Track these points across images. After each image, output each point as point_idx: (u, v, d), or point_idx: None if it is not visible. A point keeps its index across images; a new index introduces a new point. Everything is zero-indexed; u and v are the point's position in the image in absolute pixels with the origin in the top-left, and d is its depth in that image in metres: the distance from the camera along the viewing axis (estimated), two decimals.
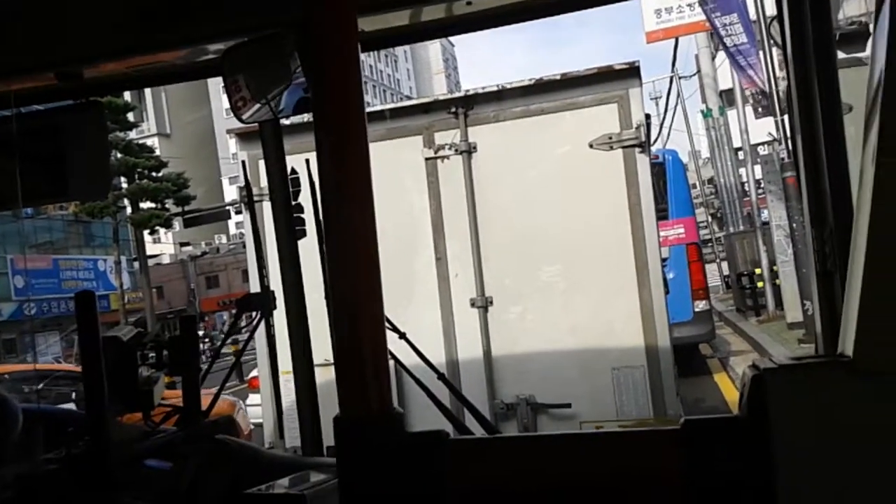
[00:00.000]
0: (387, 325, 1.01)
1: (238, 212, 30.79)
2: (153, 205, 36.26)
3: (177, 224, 40.29)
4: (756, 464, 0.82)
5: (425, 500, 0.85)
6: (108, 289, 35.78)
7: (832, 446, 0.81)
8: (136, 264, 37.76)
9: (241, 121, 2.63)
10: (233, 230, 63.11)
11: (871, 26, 1.03)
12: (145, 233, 37.68)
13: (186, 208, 36.47)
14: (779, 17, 1.50)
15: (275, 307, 2.84)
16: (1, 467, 1.92)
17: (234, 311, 3.06)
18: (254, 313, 2.95)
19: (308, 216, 2.95)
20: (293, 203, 2.85)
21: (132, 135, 37.99)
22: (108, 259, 36.66)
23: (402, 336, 2.74)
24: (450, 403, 2.94)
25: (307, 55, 1.57)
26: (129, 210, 35.56)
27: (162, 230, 42.61)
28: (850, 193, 1.61)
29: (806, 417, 0.81)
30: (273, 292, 2.86)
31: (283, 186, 2.79)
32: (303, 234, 2.87)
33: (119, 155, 33.15)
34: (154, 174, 36.38)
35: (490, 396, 4.86)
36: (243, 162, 3.69)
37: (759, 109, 16.45)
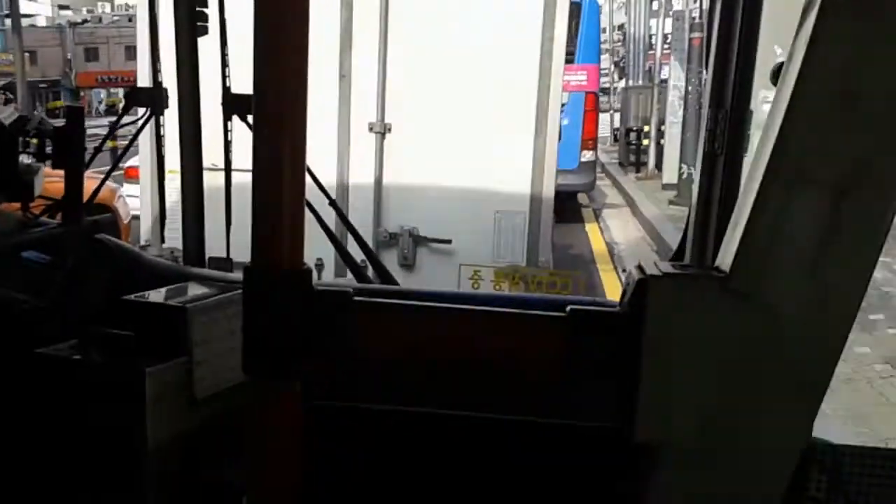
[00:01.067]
0: None
1: None
2: None
3: None
4: (629, 355, 0.90)
5: (328, 355, 0.89)
6: None
7: (695, 349, 0.90)
8: (8, 22, 34.72)
9: None
10: (118, 0, 58.48)
11: None
12: None
13: None
14: None
15: (166, 106, 2.72)
16: None
17: (111, 91, 2.90)
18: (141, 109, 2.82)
19: (212, 13, 2.78)
20: None
21: None
22: None
23: None
24: (334, 227, 2.97)
25: None
26: None
27: None
28: (751, 82, 1.67)
29: (677, 322, 0.90)
30: (166, 89, 2.73)
31: None
32: (204, 31, 2.70)
33: None
34: None
35: (375, 224, 4.94)
36: None
37: None
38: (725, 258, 0.94)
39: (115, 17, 51.54)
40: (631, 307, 0.92)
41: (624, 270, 8.59)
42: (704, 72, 1.80)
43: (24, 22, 37.15)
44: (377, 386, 1.38)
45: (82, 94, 42.99)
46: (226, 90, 2.72)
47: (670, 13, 18.69)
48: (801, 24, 0.93)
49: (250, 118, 2.78)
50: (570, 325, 0.93)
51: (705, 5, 12.97)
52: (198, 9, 2.67)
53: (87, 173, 2.42)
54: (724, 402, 0.91)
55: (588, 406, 1.30)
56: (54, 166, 1.89)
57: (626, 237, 11.39)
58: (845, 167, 0.89)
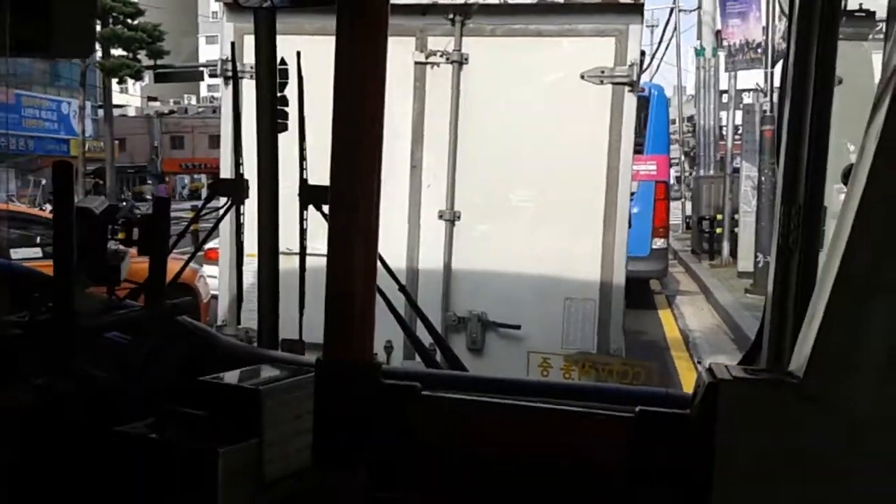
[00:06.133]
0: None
1: (212, 75, 29.91)
2: (125, 53, 35.14)
3: (146, 77, 39.10)
4: (698, 461, 0.87)
5: (394, 447, 0.91)
6: (70, 134, 34.82)
7: (769, 457, 0.87)
8: (101, 112, 36.79)
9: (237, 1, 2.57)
10: (203, 92, 61.40)
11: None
12: (113, 81, 36.59)
13: (159, 62, 35.37)
14: None
15: (247, 196, 2.85)
16: None
17: (195, 177, 3.06)
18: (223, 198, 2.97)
19: (291, 110, 2.92)
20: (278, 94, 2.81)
21: None
22: (72, 102, 35.50)
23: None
24: (404, 311, 3.02)
25: None
26: (98, 55, 34.34)
27: (130, 81, 41.34)
28: (824, 177, 1.65)
29: (750, 428, 0.87)
30: (247, 181, 2.86)
31: (270, 76, 2.76)
32: (284, 127, 2.84)
33: None
34: (129, 21, 35.12)
35: (444, 308, 4.95)
36: (232, 43, 3.60)
37: (732, 62, 16.44)
38: (799, 363, 0.91)
39: (200, 109, 54.06)
40: (701, 411, 0.90)
41: (699, 362, 8.37)
42: (776, 165, 1.77)
43: (116, 112, 39.33)
44: (439, 479, 1.37)
45: (167, 179, 44.87)
46: (303, 182, 2.84)
47: (740, 106, 18.67)
48: (870, 122, 0.91)
49: (324, 208, 2.87)
50: (637, 426, 0.91)
51: (775, 100, 12.97)
52: (278, 107, 2.82)
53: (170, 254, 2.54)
54: None
55: None
56: (140, 252, 1.98)
57: (701, 325, 11.13)
58: None
